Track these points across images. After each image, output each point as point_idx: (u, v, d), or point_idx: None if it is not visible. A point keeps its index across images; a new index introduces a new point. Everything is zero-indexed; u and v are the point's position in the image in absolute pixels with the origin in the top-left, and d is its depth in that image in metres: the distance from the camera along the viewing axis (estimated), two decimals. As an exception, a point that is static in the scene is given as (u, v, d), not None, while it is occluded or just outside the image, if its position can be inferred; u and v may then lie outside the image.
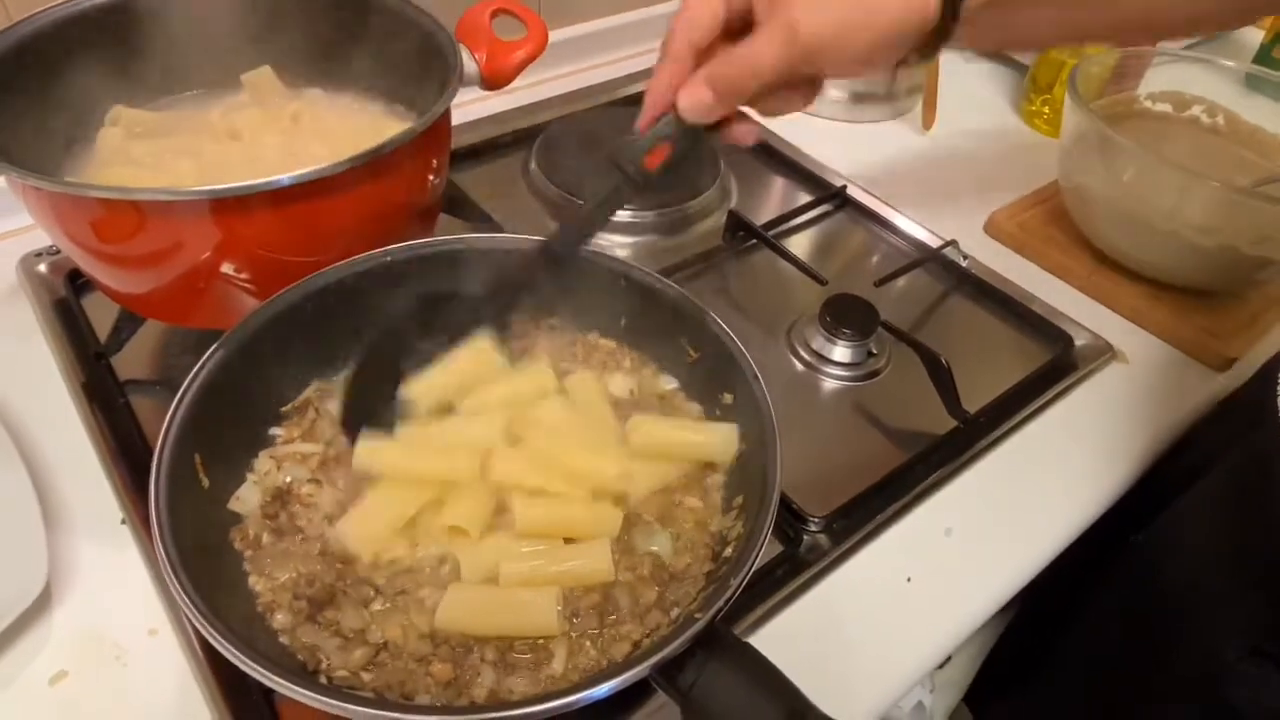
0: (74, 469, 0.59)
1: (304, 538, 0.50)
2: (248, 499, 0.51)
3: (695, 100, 0.47)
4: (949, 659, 0.61)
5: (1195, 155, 0.85)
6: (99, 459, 0.60)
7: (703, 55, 0.48)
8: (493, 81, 0.67)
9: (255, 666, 0.38)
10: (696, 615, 0.42)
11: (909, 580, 0.58)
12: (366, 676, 0.44)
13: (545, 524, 0.50)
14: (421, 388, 0.56)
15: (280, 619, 0.45)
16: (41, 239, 0.73)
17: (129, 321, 0.66)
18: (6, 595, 0.50)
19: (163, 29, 0.68)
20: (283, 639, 0.45)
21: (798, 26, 0.46)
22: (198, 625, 0.39)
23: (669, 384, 0.61)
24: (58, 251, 0.73)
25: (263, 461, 0.53)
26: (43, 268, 0.72)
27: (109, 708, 0.49)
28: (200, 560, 0.45)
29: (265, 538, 0.49)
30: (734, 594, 0.43)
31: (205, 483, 0.49)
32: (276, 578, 0.47)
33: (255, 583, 0.47)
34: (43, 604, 0.51)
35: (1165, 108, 0.89)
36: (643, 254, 0.82)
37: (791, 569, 0.57)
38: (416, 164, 0.61)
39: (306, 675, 0.43)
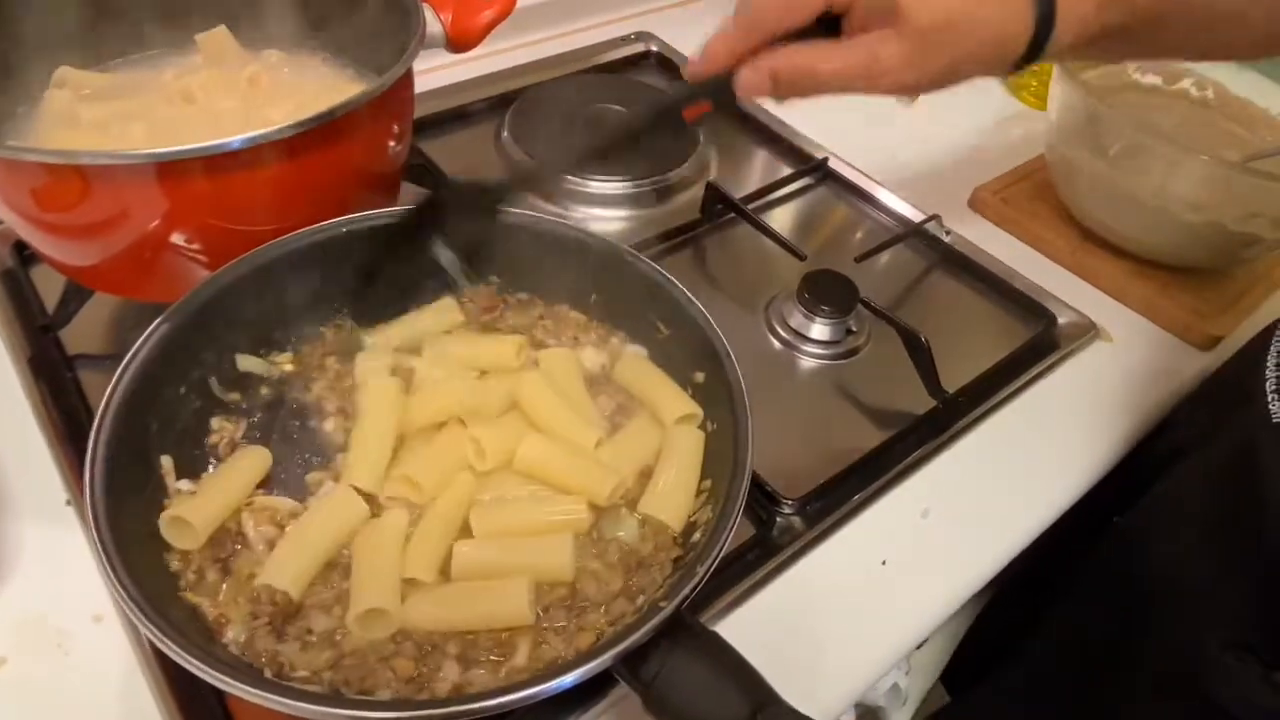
0: (17, 447, 0.57)
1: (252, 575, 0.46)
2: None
3: (755, 85, 0.47)
4: (924, 640, 0.60)
5: (1184, 129, 0.83)
6: (44, 437, 0.57)
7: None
8: (459, 43, 0.64)
9: (203, 667, 0.36)
10: (661, 604, 0.40)
11: (884, 563, 0.56)
12: (326, 674, 0.42)
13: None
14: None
15: (232, 633, 0.43)
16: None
17: (77, 293, 0.63)
18: (-60, 580, 0.47)
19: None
20: (233, 650, 0.42)
21: (896, 74, 0.45)
22: (137, 623, 0.37)
23: (639, 352, 0.59)
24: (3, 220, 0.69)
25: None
26: (-12, 237, 0.69)
27: (49, 698, 0.46)
28: (144, 549, 0.43)
29: (210, 575, 0.46)
30: (700, 582, 0.41)
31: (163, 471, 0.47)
32: (228, 611, 0.44)
33: (200, 602, 0.44)
34: (-20, 589, 0.49)
35: (1155, 80, 0.87)
36: (618, 227, 0.80)
37: (764, 553, 0.55)
38: (376, 128, 0.58)
39: (257, 672, 0.41)
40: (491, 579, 0.46)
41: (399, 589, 0.45)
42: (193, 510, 0.46)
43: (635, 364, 0.58)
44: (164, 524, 0.45)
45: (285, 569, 0.45)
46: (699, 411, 0.54)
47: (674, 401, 0.54)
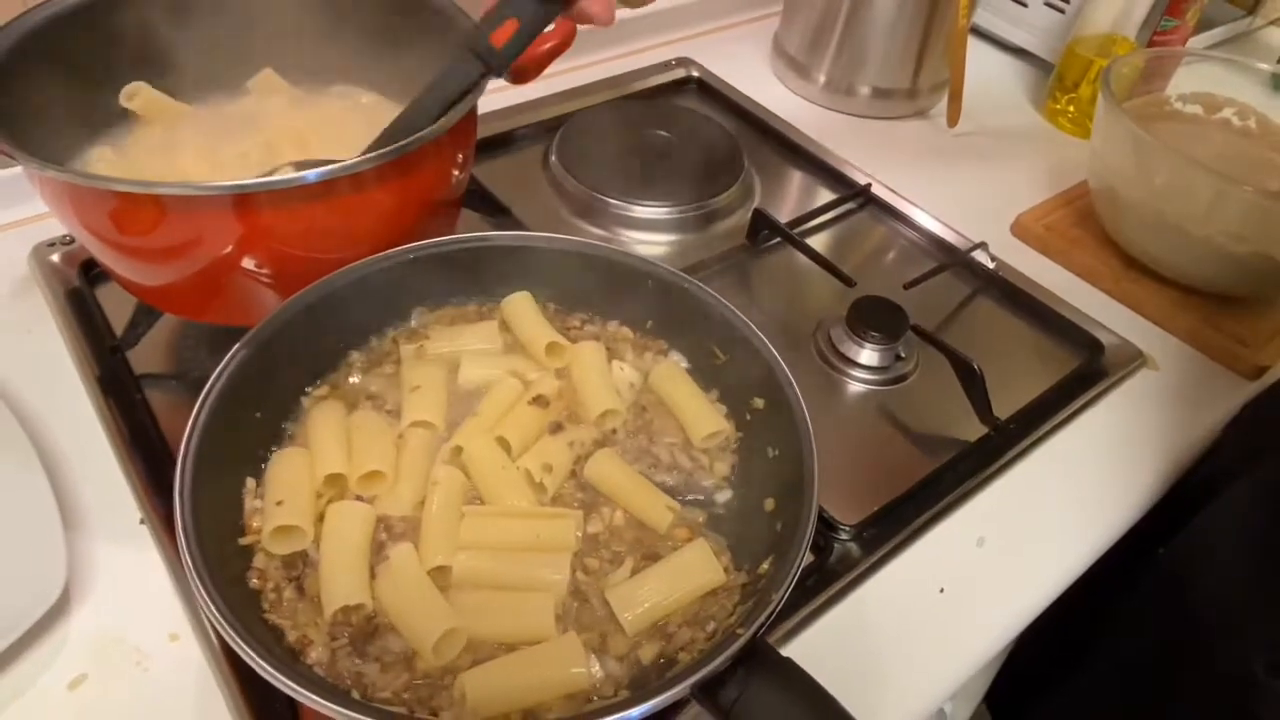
0: (90, 467, 0.58)
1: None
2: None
3: None
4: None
5: (1227, 159, 0.84)
6: (116, 456, 0.58)
7: None
8: (520, 75, 0.65)
9: (296, 687, 0.37)
10: (739, 631, 0.41)
11: (942, 591, 0.57)
12: (405, 695, 0.42)
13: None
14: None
15: (315, 654, 0.44)
16: (54, 228, 0.71)
17: (146, 315, 0.64)
18: (25, 598, 0.48)
19: (186, 22, 0.67)
20: (318, 671, 0.43)
21: None
22: (234, 646, 0.38)
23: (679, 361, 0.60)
24: (71, 241, 0.71)
25: None
26: (56, 258, 0.71)
27: (128, 714, 0.48)
28: (228, 571, 0.44)
29: (287, 593, 0.46)
30: (776, 608, 0.42)
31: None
32: (306, 630, 0.45)
33: (282, 624, 0.45)
34: (61, 607, 0.50)
35: (1196, 109, 0.88)
36: (664, 251, 0.81)
37: (822, 579, 0.56)
38: (442, 160, 0.59)
39: (344, 694, 0.42)
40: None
41: (446, 606, 0.45)
42: (293, 515, 0.47)
43: (672, 372, 0.59)
44: (268, 537, 0.46)
45: (343, 586, 0.46)
46: (725, 428, 0.55)
47: (704, 418, 0.55)
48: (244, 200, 0.52)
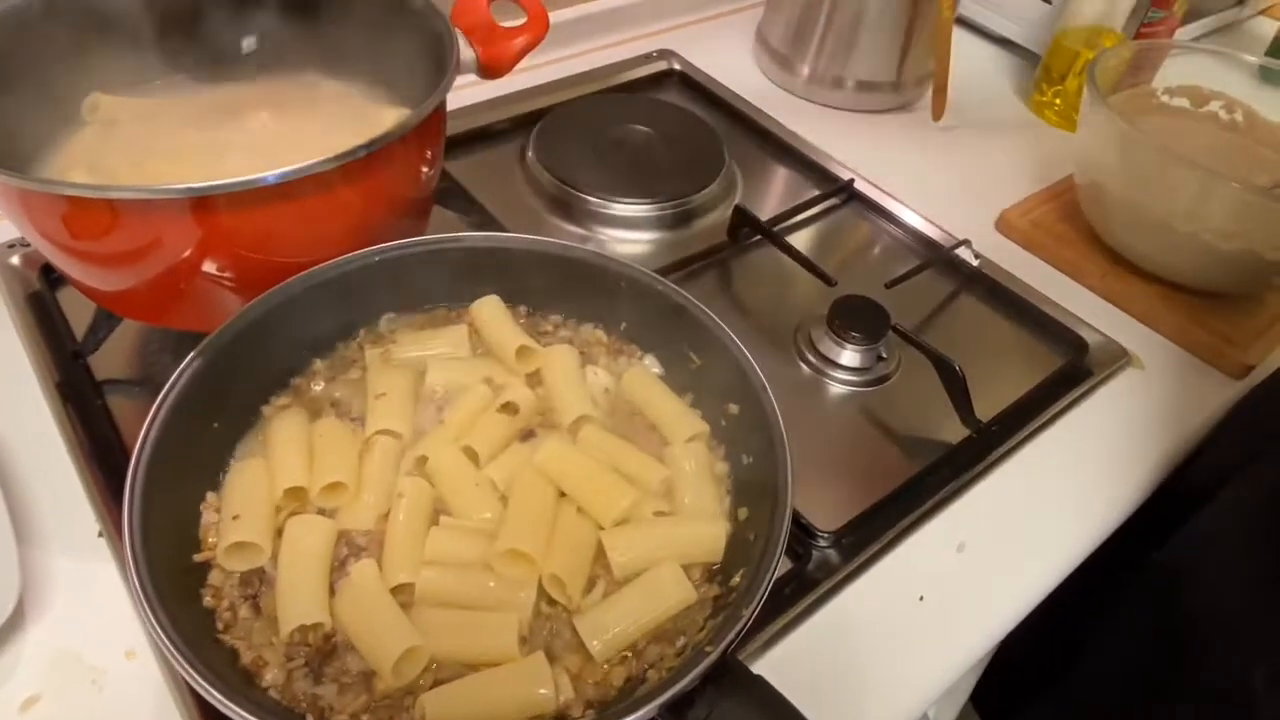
0: (47, 476, 0.56)
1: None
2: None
3: None
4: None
5: (1214, 153, 0.83)
6: (74, 466, 0.57)
7: None
8: (491, 70, 0.64)
9: (247, 716, 0.36)
10: (707, 649, 0.40)
11: (921, 599, 0.56)
12: (365, 717, 0.41)
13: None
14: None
15: (271, 676, 0.42)
16: (13, 229, 0.69)
17: (106, 320, 0.63)
18: (-25, 616, 0.47)
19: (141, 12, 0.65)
20: (273, 694, 0.42)
21: None
22: (186, 676, 0.37)
23: (652, 365, 0.59)
24: (30, 244, 0.69)
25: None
26: (15, 260, 0.69)
27: (84, 735, 0.46)
28: (181, 589, 0.43)
29: (243, 612, 0.45)
30: (745, 626, 0.41)
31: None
32: (262, 650, 0.43)
33: (237, 645, 0.43)
34: (15, 623, 0.49)
35: (1183, 103, 0.86)
36: (643, 250, 0.79)
37: (800, 588, 0.55)
38: (410, 158, 0.58)
39: (298, 718, 0.40)
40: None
41: (407, 625, 0.44)
42: (250, 530, 0.45)
43: (644, 378, 0.57)
44: (223, 553, 0.45)
45: (300, 605, 0.44)
46: (704, 429, 0.54)
47: (681, 420, 0.54)
48: (201, 202, 0.50)
